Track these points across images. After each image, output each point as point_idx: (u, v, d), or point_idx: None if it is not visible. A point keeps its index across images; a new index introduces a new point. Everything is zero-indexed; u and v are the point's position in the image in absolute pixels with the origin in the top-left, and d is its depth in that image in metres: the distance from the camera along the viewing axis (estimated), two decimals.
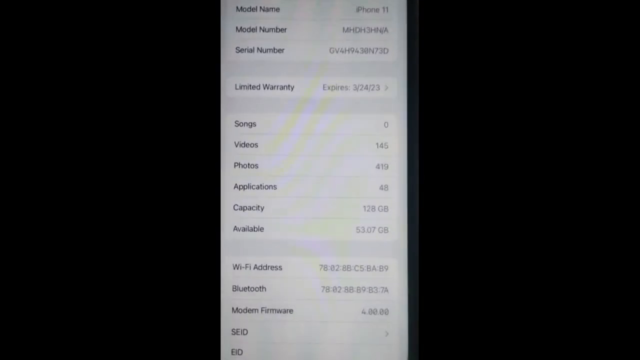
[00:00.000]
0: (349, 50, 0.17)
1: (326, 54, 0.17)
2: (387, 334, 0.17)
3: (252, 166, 0.17)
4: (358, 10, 0.17)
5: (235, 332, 0.17)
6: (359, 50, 0.17)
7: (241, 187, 0.17)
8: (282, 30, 0.17)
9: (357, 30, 0.17)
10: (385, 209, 0.17)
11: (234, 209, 0.17)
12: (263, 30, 0.17)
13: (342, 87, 0.17)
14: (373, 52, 0.17)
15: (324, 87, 0.17)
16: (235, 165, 0.17)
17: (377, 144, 0.17)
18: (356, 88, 0.17)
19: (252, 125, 0.17)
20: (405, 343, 0.17)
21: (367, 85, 0.17)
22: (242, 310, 0.17)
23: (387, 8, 0.17)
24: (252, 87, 0.17)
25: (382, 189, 0.17)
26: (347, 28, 0.17)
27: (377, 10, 0.17)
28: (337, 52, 0.17)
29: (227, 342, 0.17)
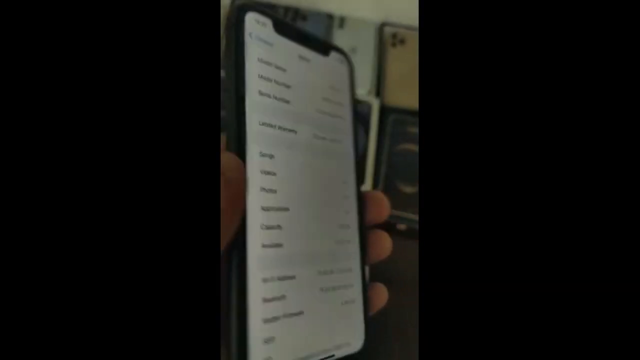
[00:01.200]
0: (327, 114, 0.23)
1: (315, 113, 0.23)
2: (352, 314, 0.23)
3: (272, 191, 0.19)
4: (324, 100, 0.23)
5: (266, 341, 0.18)
6: (331, 116, 0.24)
7: (265, 208, 0.19)
8: (289, 86, 0.21)
9: (328, 112, 0.24)
10: (348, 226, 0.23)
11: (261, 228, 0.19)
12: (277, 83, 0.20)
13: (323, 138, 0.23)
14: (338, 119, 0.24)
15: (314, 135, 0.22)
16: (261, 190, 0.19)
17: (342, 180, 0.24)
18: (331, 140, 0.23)
19: (271, 157, 0.20)
20: (362, 318, 0.23)
21: (335, 139, 0.23)
22: (270, 320, 0.18)
23: (342, 103, 0.24)
24: (271, 126, 0.20)
25: (346, 212, 0.23)
26: (321, 110, 0.23)
27: (338, 104, 0.24)
28: (321, 113, 0.23)
29: (260, 352, 0.18)
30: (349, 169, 0.24)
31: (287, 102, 0.21)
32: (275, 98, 0.20)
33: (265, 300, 0.18)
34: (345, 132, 0.24)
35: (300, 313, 0.20)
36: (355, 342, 0.22)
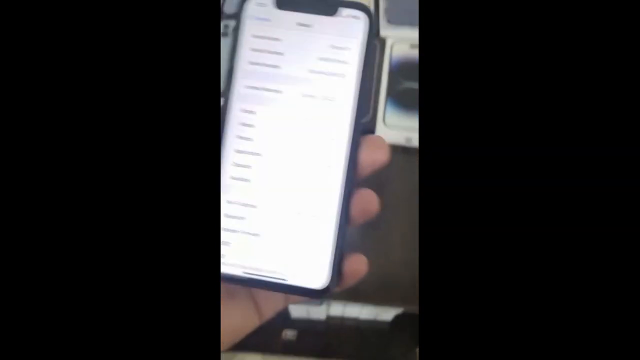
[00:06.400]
0: (322, 73, 0.24)
1: (307, 74, 0.23)
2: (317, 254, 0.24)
3: (248, 139, 0.23)
4: (320, 60, 0.23)
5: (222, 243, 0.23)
6: (327, 74, 0.24)
7: (239, 151, 0.23)
8: (281, 53, 0.23)
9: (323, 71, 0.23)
10: (327, 177, 0.24)
11: (232, 165, 0.23)
12: (269, 52, 0.23)
13: (312, 96, 0.24)
14: (337, 77, 0.23)
15: (302, 94, 0.23)
16: (238, 137, 0.23)
17: (329, 137, 0.24)
18: (322, 98, 0.23)
19: (252, 112, 0.23)
20: (329, 261, 0.23)
21: (327, 97, 0.23)
22: (229, 230, 0.23)
23: (346, 61, 0.23)
24: (255, 88, 0.23)
25: (328, 166, 0.24)
26: (315, 70, 0.23)
27: (341, 62, 0.23)
28: (314, 73, 0.23)
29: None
30: (341, 126, 0.23)
31: (277, 67, 0.23)
32: (265, 65, 0.23)
33: (227, 215, 0.23)
34: (344, 91, 0.23)
35: (256, 235, 0.22)
36: (315, 279, 0.22)
